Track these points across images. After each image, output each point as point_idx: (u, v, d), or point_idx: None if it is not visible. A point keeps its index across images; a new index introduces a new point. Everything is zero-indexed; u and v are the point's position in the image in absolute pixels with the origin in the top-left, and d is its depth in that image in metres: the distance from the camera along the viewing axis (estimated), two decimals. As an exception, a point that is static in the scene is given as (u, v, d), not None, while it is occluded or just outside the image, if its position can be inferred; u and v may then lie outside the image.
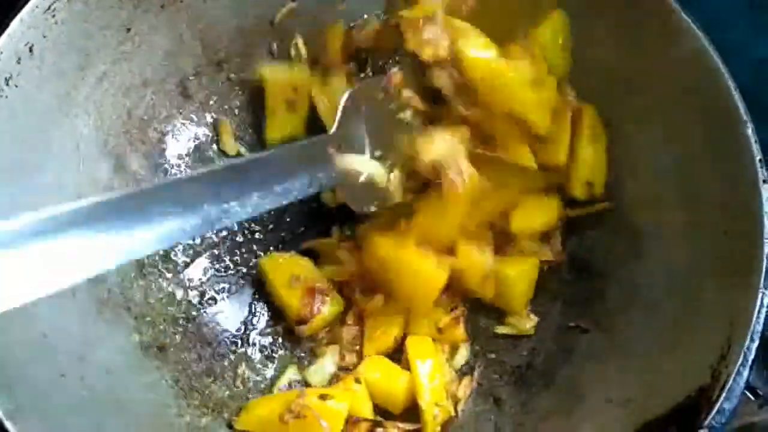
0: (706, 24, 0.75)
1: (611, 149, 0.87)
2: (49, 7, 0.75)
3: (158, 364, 0.82)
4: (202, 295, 0.91)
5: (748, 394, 0.95)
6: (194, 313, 0.90)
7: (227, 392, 0.86)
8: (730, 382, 0.64)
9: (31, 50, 0.74)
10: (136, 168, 0.89)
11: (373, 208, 0.84)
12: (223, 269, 0.94)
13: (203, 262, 0.93)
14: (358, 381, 0.83)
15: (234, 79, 0.96)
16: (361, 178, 0.81)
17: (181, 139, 0.95)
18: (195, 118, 0.95)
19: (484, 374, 0.88)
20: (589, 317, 0.84)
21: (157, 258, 0.89)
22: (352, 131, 0.81)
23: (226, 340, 0.90)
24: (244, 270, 0.94)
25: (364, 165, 0.81)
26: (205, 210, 0.65)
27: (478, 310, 0.91)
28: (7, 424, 0.59)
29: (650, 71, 0.80)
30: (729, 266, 0.70)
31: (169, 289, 0.89)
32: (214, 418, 0.82)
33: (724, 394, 0.63)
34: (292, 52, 0.97)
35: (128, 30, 0.84)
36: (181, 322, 0.88)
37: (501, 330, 0.90)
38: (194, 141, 0.96)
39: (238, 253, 0.95)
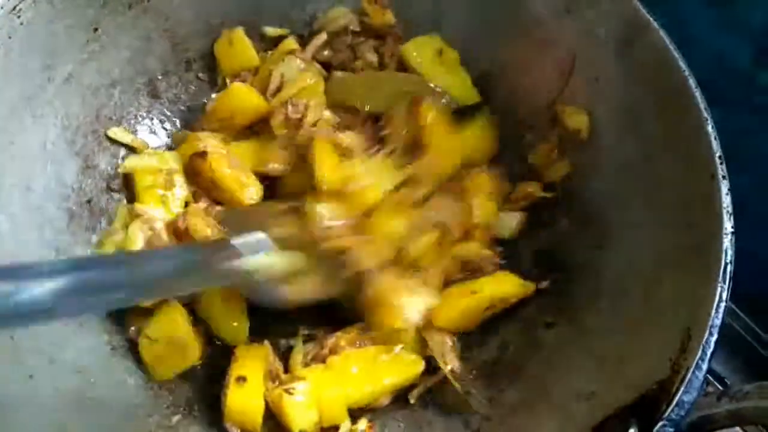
0: (666, 20, 0.76)
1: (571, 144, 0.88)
2: (14, 8, 0.75)
3: (128, 364, 0.83)
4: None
5: (717, 384, 0.98)
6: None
7: (198, 392, 0.86)
8: (689, 375, 0.64)
9: (-4, 51, 0.74)
10: (104, 167, 0.89)
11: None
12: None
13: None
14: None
15: (203, 78, 0.97)
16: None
17: (150, 139, 0.94)
18: (164, 118, 0.95)
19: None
20: (556, 312, 0.85)
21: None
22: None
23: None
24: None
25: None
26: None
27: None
28: (-26, 426, 0.58)
29: (611, 67, 0.81)
30: (689, 260, 0.71)
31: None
32: (183, 417, 0.82)
33: (683, 387, 0.64)
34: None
35: (95, 30, 0.84)
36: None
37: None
38: (165, 139, 0.96)
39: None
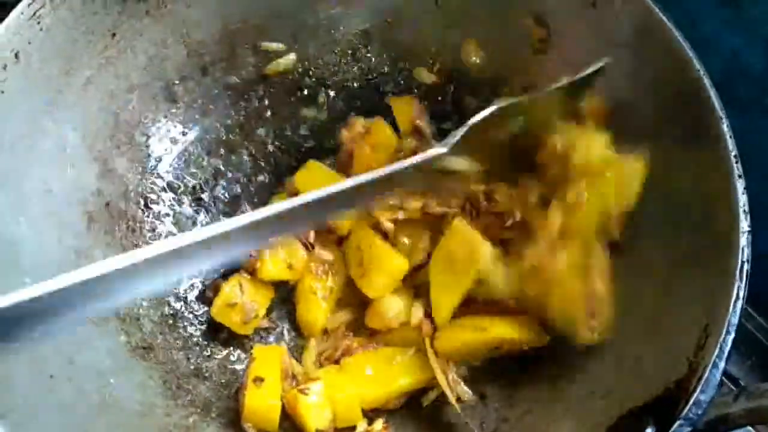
0: (678, 20, 0.76)
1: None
2: (34, 14, 0.76)
3: (146, 365, 0.83)
4: (188, 296, 0.93)
5: (730, 384, 0.98)
6: (182, 314, 0.91)
7: (215, 392, 0.87)
8: (707, 373, 0.64)
9: (17, 56, 0.75)
10: (122, 172, 0.90)
11: None
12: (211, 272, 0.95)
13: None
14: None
15: (219, 82, 0.98)
16: None
17: (168, 143, 0.96)
18: (181, 122, 0.96)
19: (469, 370, 0.89)
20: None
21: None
22: None
23: (215, 340, 0.91)
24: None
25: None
26: None
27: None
28: (-3, 424, 0.59)
29: (625, 68, 0.81)
30: (705, 259, 0.71)
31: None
32: (201, 418, 0.83)
33: (700, 386, 0.64)
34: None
35: (113, 35, 0.85)
36: (169, 323, 0.89)
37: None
38: (181, 144, 0.97)
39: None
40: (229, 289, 0.90)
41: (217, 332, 0.91)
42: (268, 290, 0.93)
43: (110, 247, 0.87)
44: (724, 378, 0.88)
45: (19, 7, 0.75)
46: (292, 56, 1.01)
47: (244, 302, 0.89)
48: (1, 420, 0.60)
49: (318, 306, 0.92)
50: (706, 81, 0.74)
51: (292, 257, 0.92)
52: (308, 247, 0.93)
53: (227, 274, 0.93)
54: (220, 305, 0.89)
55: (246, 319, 0.89)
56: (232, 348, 0.92)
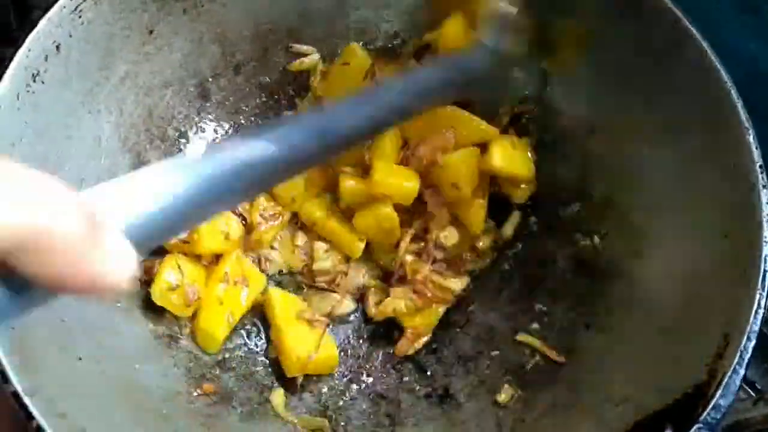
0: (698, 27, 0.77)
1: (609, 153, 0.89)
2: (76, 8, 0.78)
3: (170, 353, 0.85)
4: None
5: (747, 388, 0.97)
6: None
7: (237, 383, 0.88)
8: (726, 379, 0.65)
9: (57, 48, 0.77)
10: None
11: None
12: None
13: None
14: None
15: (251, 81, 1.00)
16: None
17: (200, 140, 0.97)
18: (213, 119, 0.99)
19: (487, 371, 0.89)
20: (591, 317, 0.86)
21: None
22: None
23: (242, 331, 0.93)
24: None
25: None
26: None
27: (488, 310, 0.95)
28: (26, 401, 0.60)
29: (650, 76, 0.82)
30: (728, 267, 0.71)
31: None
32: (224, 407, 0.84)
33: (720, 392, 0.64)
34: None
35: (151, 32, 0.87)
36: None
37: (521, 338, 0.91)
38: (212, 140, 0.99)
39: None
40: (167, 273, 0.86)
41: (240, 325, 0.93)
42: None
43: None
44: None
45: (62, 1, 0.77)
46: (315, 56, 1.02)
47: (184, 284, 0.87)
48: (31, 397, 0.61)
49: (220, 320, 0.89)
50: (734, 92, 0.75)
51: (228, 227, 0.91)
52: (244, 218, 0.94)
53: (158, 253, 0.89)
54: (160, 290, 0.85)
55: (188, 302, 0.87)
56: (255, 338, 0.93)
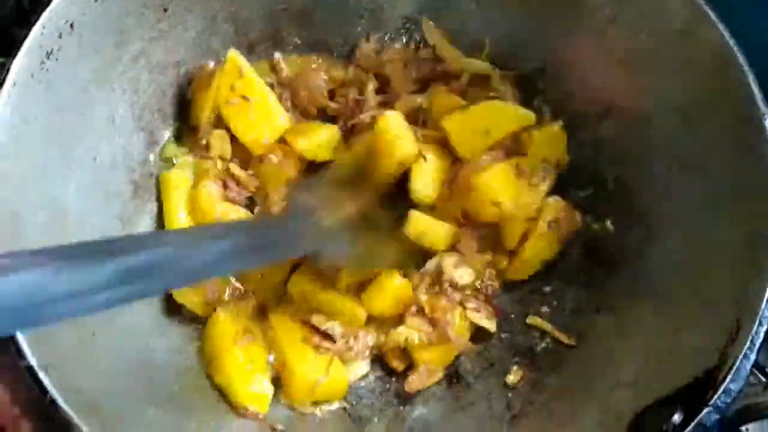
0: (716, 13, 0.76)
1: (622, 137, 0.89)
2: (89, -15, 0.78)
3: (182, 330, 0.86)
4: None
5: (758, 373, 0.97)
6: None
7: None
8: (738, 364, 0.65)
9: (71, 27, 0.76)
10: (168, 144, 0.93)
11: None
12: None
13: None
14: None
15: (264, 60, 0.99)
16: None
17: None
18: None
19: (497, 353, 0.90)
20: (602, 301, 0.86)
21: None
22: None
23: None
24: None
25: None
26: None
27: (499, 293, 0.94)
28: (41, 376, 0.61)
29: (667, 62, 0.81)
30: (740, 253, 0.71)
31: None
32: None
33: (730, 376, 0.64)
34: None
35: (165, 10, 0.87)
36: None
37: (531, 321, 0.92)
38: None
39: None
40: None
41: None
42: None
43: (155, 215, 0.90)
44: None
45: (76, -22, 0.77)
46: None
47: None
48: (44, 371, 0.62)
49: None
50: (751, 77, 0.74)
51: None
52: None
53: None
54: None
55: (207, 300, 0.87)
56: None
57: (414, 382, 0.87)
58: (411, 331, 0.87)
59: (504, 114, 0.91)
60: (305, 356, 0.85)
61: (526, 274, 0.92)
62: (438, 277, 0.89)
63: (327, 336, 0.87)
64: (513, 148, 0.91)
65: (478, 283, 0.91)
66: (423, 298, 0.88)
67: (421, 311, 0.88)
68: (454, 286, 0.89)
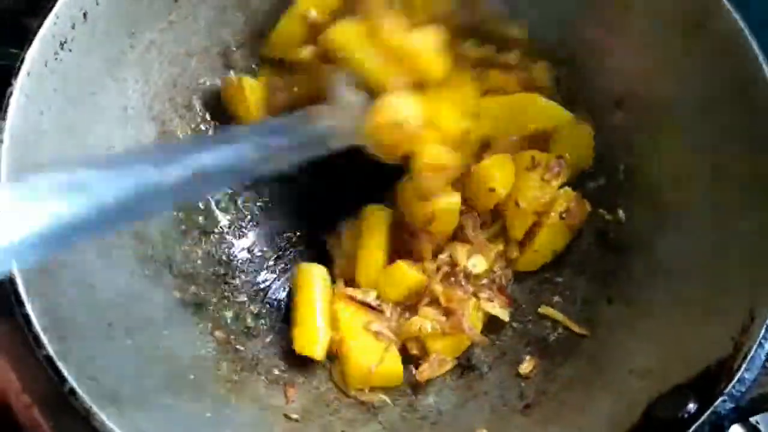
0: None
1: (635, 127, 0.89)
2: (102, -25, 0.78)
3: (197, 320, 0.86)
4: (243, 257, 0.96)
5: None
6: (235, 274, 0.94)
7: (264, 351, 0.89)
8: (752, 353, 0.65)
9: (85, 16, 0.76)
10: (179, 133, 0.93)
11: None
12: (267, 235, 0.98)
13: (247, 226, 0.98)
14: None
15: (274, 51, 0.99)
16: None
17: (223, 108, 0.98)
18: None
19: (509, 343, 0.90)
20: (614, 290, 0.86)
21: (200, 220, 0.93)
22: None
23: (267, 301, 0.94)
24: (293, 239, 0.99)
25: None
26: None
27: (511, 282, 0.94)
28: (59, 364, 0.62)
29: (681, 51, 0.81)
30: (754, 242, 0.71)
31: (210, 250, 0.93)
32: (249, 373, 0.86)
33: (745, 365, 0.64)
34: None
35: (176, 0, 0.87)
36: (220, 282, 0.92)
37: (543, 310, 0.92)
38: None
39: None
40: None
41: (265, 295, 0.94)
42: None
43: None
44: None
45: (88, -32, 0.77)
46: None
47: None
48: (61, 360, 0.63)
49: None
50: (765, 67, 0.74)
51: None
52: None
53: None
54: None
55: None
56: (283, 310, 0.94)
57: (425, 371, 0.87)
58: (424, 321, 0.87)
59: (542, 111, 0.91)
60: (364, 342, 0.87)
61: (538, 264, 0.92)
62: (452, 267, 0.90)
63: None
64: (539, 138, 0.91)
65: (490, 273, 0.91)
66: (439, 288, 0.88)
67: (435, 302, 0.88)
68: (468, 276, 0.89)
